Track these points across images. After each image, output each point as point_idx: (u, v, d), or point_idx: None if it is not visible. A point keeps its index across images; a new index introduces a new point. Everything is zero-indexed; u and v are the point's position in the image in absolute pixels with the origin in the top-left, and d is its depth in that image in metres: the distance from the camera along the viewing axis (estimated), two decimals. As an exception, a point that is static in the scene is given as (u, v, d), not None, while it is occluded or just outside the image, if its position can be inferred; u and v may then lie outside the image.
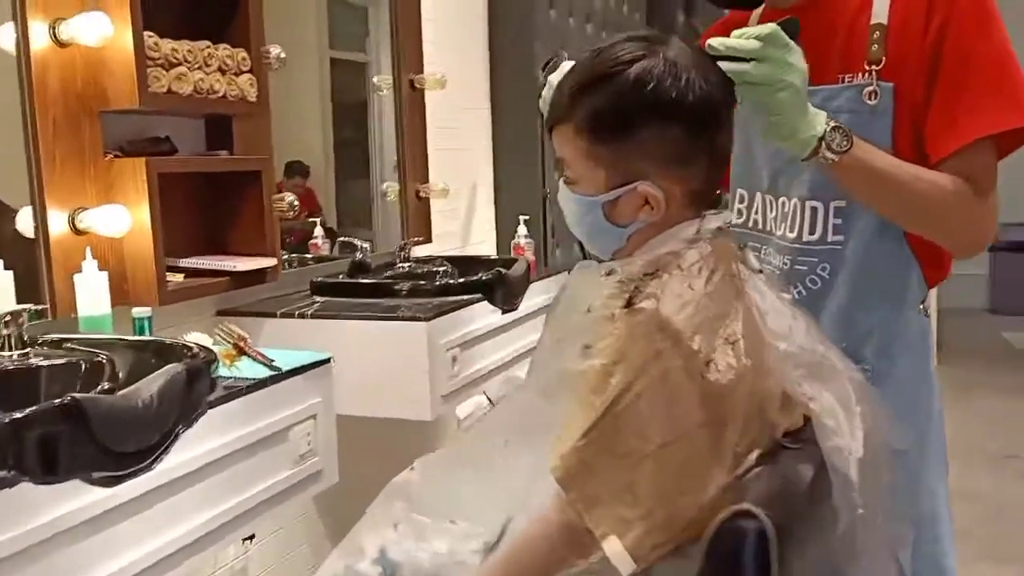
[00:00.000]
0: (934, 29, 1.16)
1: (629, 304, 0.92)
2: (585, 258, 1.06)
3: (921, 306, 1.31)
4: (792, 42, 1.03)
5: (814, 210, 1.26)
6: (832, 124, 1.08)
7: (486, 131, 3.54)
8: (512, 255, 2.99)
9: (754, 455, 0.89)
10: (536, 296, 2.72)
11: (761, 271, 1.01)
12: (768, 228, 1.33)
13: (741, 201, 1.38)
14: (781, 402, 0.92)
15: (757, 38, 1.00)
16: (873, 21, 1.21)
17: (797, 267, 1.29)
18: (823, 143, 1.06)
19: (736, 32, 1.03)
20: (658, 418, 0.87)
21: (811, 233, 1.27)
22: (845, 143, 1.07)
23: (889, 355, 1.26)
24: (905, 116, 1.19)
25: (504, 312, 2.50)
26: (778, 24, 1.03)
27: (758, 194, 1.35)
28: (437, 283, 2.52)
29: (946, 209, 1.15)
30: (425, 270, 2.76)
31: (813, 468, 0.88)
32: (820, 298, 1.27)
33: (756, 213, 1.35)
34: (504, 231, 3.52)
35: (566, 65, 1.08)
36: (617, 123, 0.94)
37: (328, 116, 2.71)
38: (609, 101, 0.94)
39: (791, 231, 1.28)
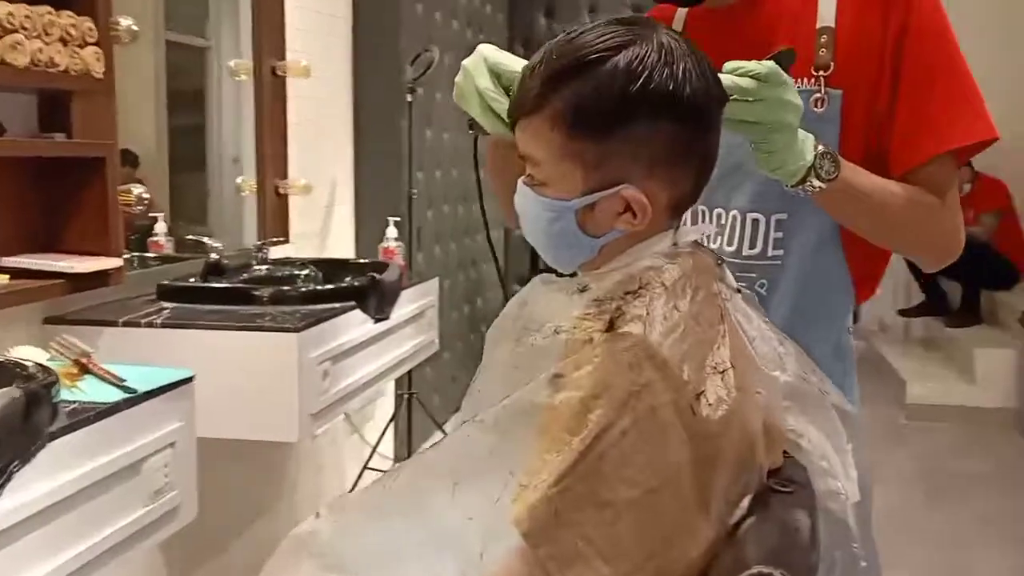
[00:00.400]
0: (892, 37, 1.11)
1: (611, 327, 0.79)
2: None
3: (852, 324, 1.26)
4: (789, 78, 0.94)
5: (755, 223, 1.18)
6: (820, 149, 1.00)
7: (347, 126, 3.33)
8: (381, 259, 2.80)
9: (746, 502, 0.78)
10: (406, 305, 2.55)
11: (740, 290, 0.90)
12: (704, 240, 1.24)
13: None
14: (766, 439, 0.81)
15: (755, 76, 0.89)
16: (819, 24, 1.14)
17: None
18: (812, 171, 0.98)
19: (729, 66, 0.91)
20: (645, 460, 0.75)
21: (751, 247, 1.19)
22: (833, 170, 1.00)
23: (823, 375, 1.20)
24: (856, 124, 1.13)
25: (376, 321, 2.32)
26: (773, 58, 0.93)
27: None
28: (303, 289, 2.30)
29: (923, 222, 1.11)
30: (286, 273, 2.53)
31: (807, 515, 0.78)
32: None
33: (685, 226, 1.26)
34: (365, 233, 3.32)
35: (486, 53, 0.92)
36: (603, 117, 0.80)
37: (162, 102, 2.44)
38: (595, 91, 0.80)
39: (729, 245, 1.19)
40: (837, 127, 1.13)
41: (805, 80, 1.14)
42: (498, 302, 5.02)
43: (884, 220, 1.09)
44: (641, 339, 0.77)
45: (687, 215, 1.23)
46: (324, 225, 3.16)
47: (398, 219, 2.91)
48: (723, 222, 1.20)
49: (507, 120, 0.95)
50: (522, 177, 0.89)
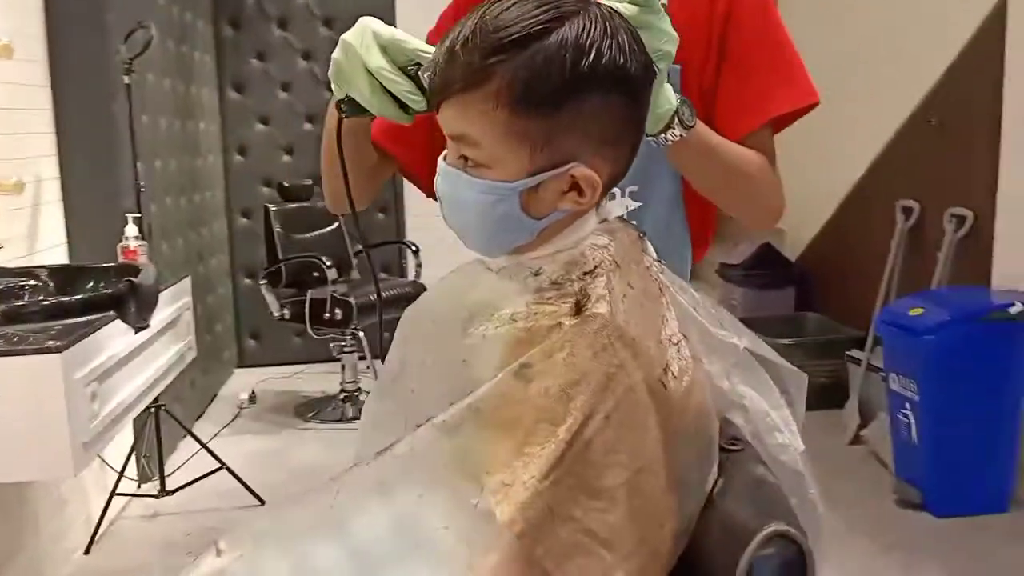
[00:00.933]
0: (719, 16, 1.17)
1: (579, 310, 0.75)
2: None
3: None
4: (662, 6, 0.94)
5: (611, 196, 1.20)
6: (680, 96, 1.01)
7: (46, 114, 2.92)
8: (122, 260, 2.50)
9: (715, 466, 0.79)
10: (162, 309, 2.30)
11: (660, 261, 0.90)
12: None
13: None
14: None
15: (634, 2, 0.88)
16: None
17: None
18: (676, 117, 0.98)
19: None
20: (629, 443, 0.73)
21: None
22: (691, 116, 1.00)
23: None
24: (693, 98, 1.18)
25: (137, 331, 2.07)
26: None
27: None
28: (45, 302, 1.99)
29: (759, 181, 1.15)
30: (10, 285, 2.17)
31: (765, 467, 0.81)
32: None
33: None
34: (82, 234, 2.94)
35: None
36: (552, 93, 0.75)
37: None
38: (544, 65, 0.74)
39: None
40: None
41: None
42: (229, 298, 4.72)
43: (731, 174, 1.11)
44: (610, 319, 0.75)
45: None
46: (31, 228, 2.75)
47: (138, 215, 2.61)
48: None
49: (414, 100, 0.88)
50: (446, 159, 0.82)
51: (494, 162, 0.78)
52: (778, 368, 0.87)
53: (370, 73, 0.91)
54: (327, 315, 3.75)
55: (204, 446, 3.17)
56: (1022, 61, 2.93)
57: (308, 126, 4.81)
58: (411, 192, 4.80)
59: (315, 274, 3.84)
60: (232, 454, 3.30)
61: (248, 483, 3.12)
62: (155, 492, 3.03)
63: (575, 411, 0.72)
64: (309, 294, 3.80)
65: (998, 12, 3.02)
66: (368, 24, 0.94)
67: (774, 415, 0.85)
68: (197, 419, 3.93)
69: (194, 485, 3.08)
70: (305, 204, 4.25)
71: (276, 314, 3.94)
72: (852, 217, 4.05)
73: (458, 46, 0.77)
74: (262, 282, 3.95)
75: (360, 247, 4.61)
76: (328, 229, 4.29)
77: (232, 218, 4.78)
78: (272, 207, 4.09)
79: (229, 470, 3.11)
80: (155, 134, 3.52)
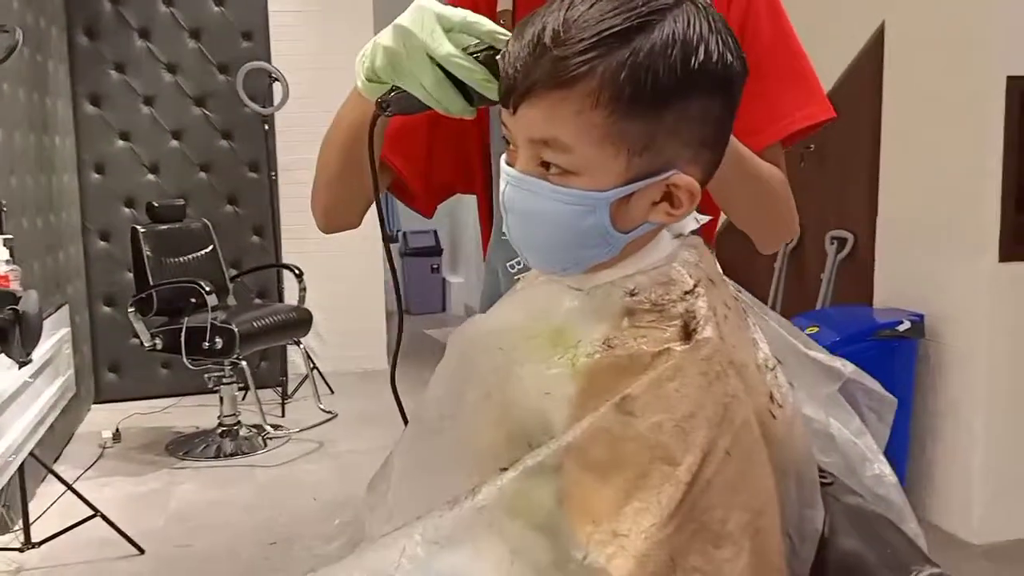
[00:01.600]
0: (733, 25, 1.13)
1: (688, 335, 0.68)
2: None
3: None
4: None
5: None
6: None
7: None
8: (-9, 288, 2.22)
9: (820, 501, 0.73)
10: (43, 340, 2.05)
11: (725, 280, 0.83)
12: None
13: None
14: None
15: None
16: None
17: None
18: None
19: None
20: (748, 480, 0.66)
21: None
22: None
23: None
24: None
25: (21, 366, 1.84)
26: None
27: None
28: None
29: (783, 199, 1.11)
30: None
31: (863, 499, 0.76)
32: None
33: None
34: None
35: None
36: (659, 92, 0.67)
37: None
38: (650, 61, 0.66)
39: None
40: None
41: None
42: (86, 328, 4.34)
43: (759, 190, 1.06)
44: (720, 344, 0.68)
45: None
46: None
47: (9, 236, 2.33)
48: None
49: (490, 88, 0.78)
50: (518, 166, 0.72)
51: (585, 169, 0.69)
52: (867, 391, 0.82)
53: (433, 62, 0.80)
54: (207, 344, 3.50)
55: (73, 491, 2.86)
56: (899, 89, 3.11)
57: (174, 143, 4.52)
58: (288, 213, 4.59)
59: (192, 300, 3.58)
60: (101, 499, 3.00)
61: (124, 530, 2.84)
62: (18, 545, 2.70)
63: (694, 448, 0.64)
64: (186, 322, 3.53)
65: (876, 40, 3.19)
66: (428, 6, 0.83)
67: (860, 443, 0.80)
68: (54, 461, 3.56)
69: (63, 535, 2.77)
70: (177, 225, 3.98)
71: (147, 344, 3.64)
72: (735, 241, 4.17)
73: (547, 39, 0.68)
74: (130, 310, 3.64)
75: (235, 272, 4.36)
76: (203, 252, 4.03)
77: (89, 241, 4.41)
78: (141, 229, 3.80)
79: (104, 517, 2.81)
80: (10, 149, 3.19)
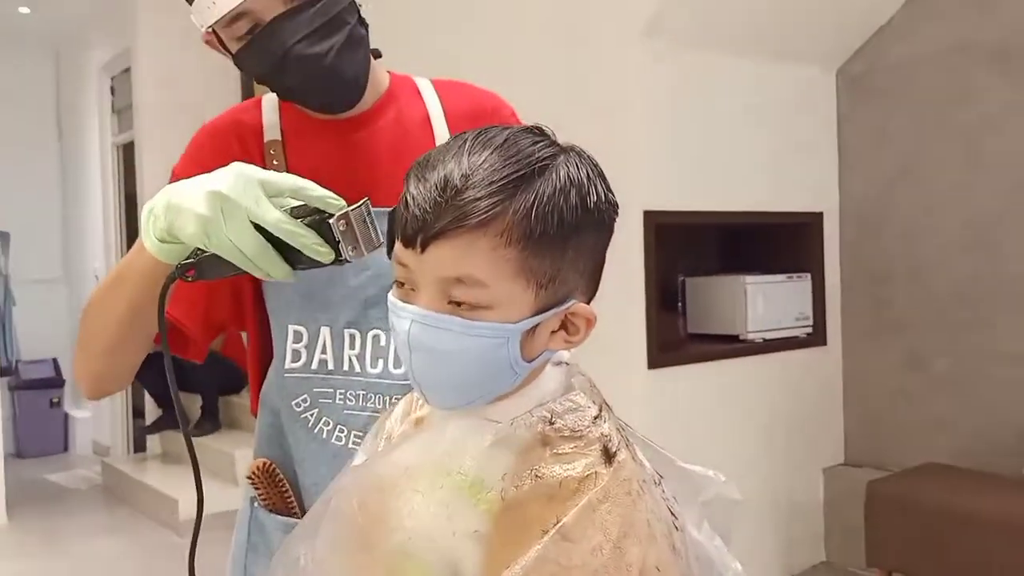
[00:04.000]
0: None
1: (610, 457, 0.70)
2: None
3: None
4: None
5: None
6: None
7: None
8: None
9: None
10: None
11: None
12: (349, 368, 1.13)
13: (297, 340, 1.13)
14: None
15: None
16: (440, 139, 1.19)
17: None
18: None
19: None
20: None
21: None
22: None
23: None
24: None
25: None
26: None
27: (324, 330, 1.13)
28: None
29: None
30: None
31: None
32: None
33: (323, 353, 1.14)
34: None
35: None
36: (562, 229, 0.72)
37: None
38: (554, 201, 0.71)
39: (397, 367, 1.11)
40: None
41: None
42: None
43: None
44: (633, 464, 0.73)
45: (324, 340, 1.12)
46: None
47: None
48: (382, 343, 1.13)
49: (322, 253, 0.82)
50: (423, 305, 0.73)
51: (497, 303, 0.73)
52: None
53: (257, 228, 0.81)
54: None
55: None
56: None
57: None
58: None
59: None
60: None
61: None
62: None
63: (632, 567, 0.68)
64: None
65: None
66: (250, 173, 0.84)
67: (720, 547, 0.86)
68: None
69: None
70: None
71: None
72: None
73: (457, 182, 0.71)
74: None
75: None
76: None
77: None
78: None
79: None
80: None
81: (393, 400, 1.10)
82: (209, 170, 0.87)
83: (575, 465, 0.71)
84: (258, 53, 1.07)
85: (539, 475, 0.71)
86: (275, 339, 1.15)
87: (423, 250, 0.72)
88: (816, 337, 3.53)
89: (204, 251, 0.86)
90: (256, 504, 1.16)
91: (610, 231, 0.79)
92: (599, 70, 3.19)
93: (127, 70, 5.59)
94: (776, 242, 3.62)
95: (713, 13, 3.07)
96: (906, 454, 3.36)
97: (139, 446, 5.69)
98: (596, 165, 0.78)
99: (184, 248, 0.89)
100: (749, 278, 3.33)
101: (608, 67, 3.16)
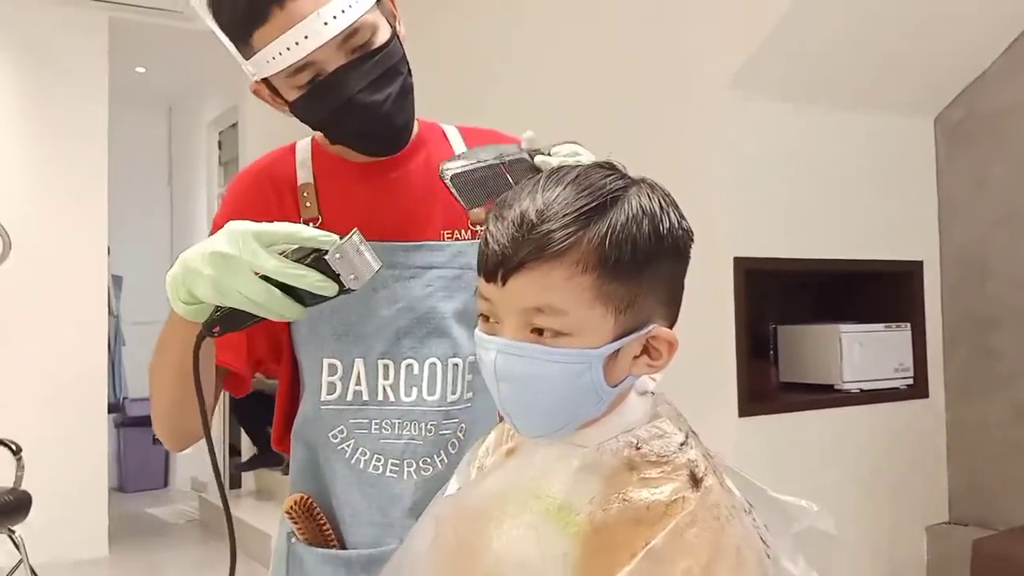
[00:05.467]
0: None
1: (697, 482, 0.72)
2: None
3: None
4: None
5: (455, 367, 1.18)
6: None
7: None
8: None
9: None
10: None
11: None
12: (383, 397, 1.18)
13: (332, 373, 1.18)
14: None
15: None
16: None
17: (442, 432, 1.17)
18: None
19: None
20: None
21: (453, 393, 1.17)
22: None
23: None
24: None
25: None
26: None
27: (358, 362, 1.18)
28: None
29: None
30: None
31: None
32: (457, 463, 1.17)
33: (357, 384, 1.18)
34: None
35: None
36: (636, 255, 0.75)
37: None
38: (626, 230, 0.75)
39: (431, 394, 1.16)
40: None
41: (463, 232, 1.22)
42: None
43: None
44: (721, 490, 0.74)
45: (358, 370, 1.16)
46: None
47: None
48: (416, 372, 1.17)
49: (325, 287, 0.87)
50: (507, 335, 0.77)
51: (578, 329, 0.76)
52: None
53: (263, 277, 0.87)
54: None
55: None
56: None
57: None
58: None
59: None
60: None
61: None
62: None
63: (722, 590, 0.68)
64: None
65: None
66: (241, 228, 0.89)
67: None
68: None
69: None
70: None
71: None
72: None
73: (533, 217, 0.76)
74: None
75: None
76: None
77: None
78: None
79: None
80: None
81: (428, 427, 1.13)
82: (246, 217, 0.93)
83: (662, 489, 0.73)
84: (320, 101, 1.12)
85: (626, 499, 0.72)
86: (308, 374, 1.20)
87: (504, 283, 0.76)
88: (917, 389, 3.41)
89: (223, 307, 0.92)
90: (293, 539, 1.19)
91: (686, 258, 0.81)
92: (688, 122, 3.21)
93: (234, 125, 5.93)
94: (873, 291, 3.54)
95: (806, 63, 3.07)
96: (1014, 512, 3.19)
97: (235, 482, 5.85)
98: (668, 195, 0.81)
99: (208, 305, 0.95)
100: (844, 327, 3.25)
101: (698, 116, 3.18)
